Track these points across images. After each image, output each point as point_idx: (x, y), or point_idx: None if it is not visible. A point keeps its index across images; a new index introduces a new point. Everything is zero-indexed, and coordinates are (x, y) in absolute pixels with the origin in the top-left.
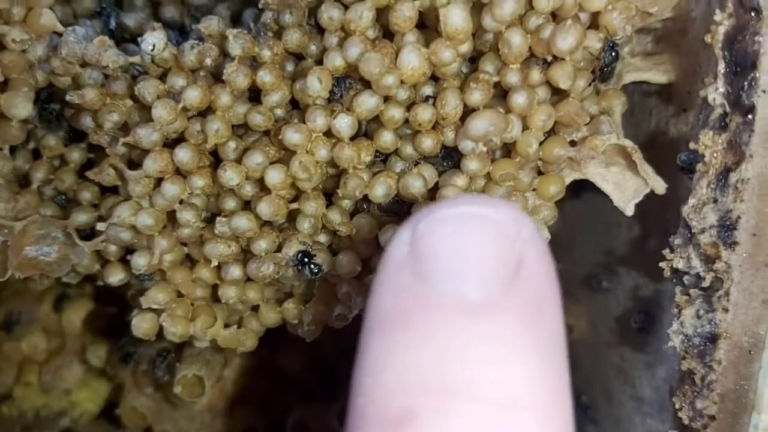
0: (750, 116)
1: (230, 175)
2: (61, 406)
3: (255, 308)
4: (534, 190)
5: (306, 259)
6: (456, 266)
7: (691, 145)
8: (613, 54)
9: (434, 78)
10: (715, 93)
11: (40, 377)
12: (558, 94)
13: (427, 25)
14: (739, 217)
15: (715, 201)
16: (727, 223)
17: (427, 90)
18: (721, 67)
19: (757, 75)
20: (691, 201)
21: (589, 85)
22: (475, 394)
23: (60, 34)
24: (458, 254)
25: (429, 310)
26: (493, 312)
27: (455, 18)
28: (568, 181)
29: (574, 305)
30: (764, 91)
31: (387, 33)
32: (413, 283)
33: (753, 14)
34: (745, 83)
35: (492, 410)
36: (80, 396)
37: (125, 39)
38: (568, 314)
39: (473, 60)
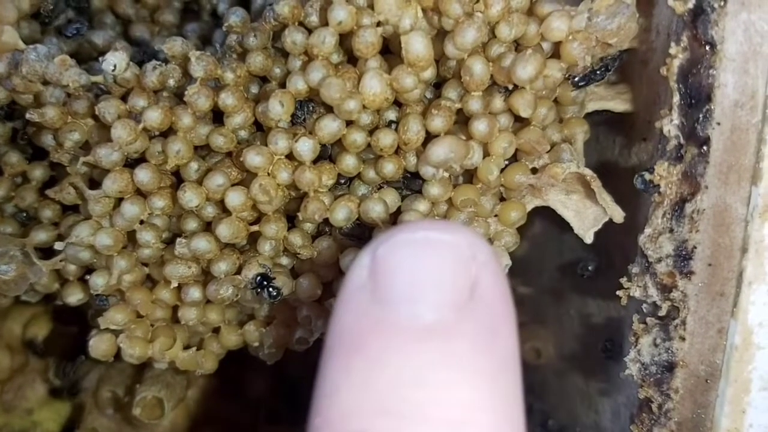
0: (705, 148)
1: (190, 197)
2: (22, 425)
3: (216, 330)
4: (496, 216)
5: (265, 282)
6: (412, 291)
7: (647, 176)
8: (605, 69)
9: (398, 103)
10: (670, 125)
11: (1, 396)
12: (521, 121)
13: (392, 51)
14: (695, 247)
15: (671, 231)
16: (683, 253)
17: (391, 115)
18: (676, 99)
19: (712, 107)
20: (647, 231)
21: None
22: (426, 416)
23: (22, 52)
24: (414, 279)
25: (385, 333)
26: (447, 334)
27: (417, 45)
28: (529, 207)
29: (541, 329)
30: (719, 124)
31: (352, 58)
32: (371, 307)
33: (708, 48)
34: (700, 115)
35: (439, 430)
36: (42, 416)
37: (93, 57)
38: (535, 339)
39: (438, 86)
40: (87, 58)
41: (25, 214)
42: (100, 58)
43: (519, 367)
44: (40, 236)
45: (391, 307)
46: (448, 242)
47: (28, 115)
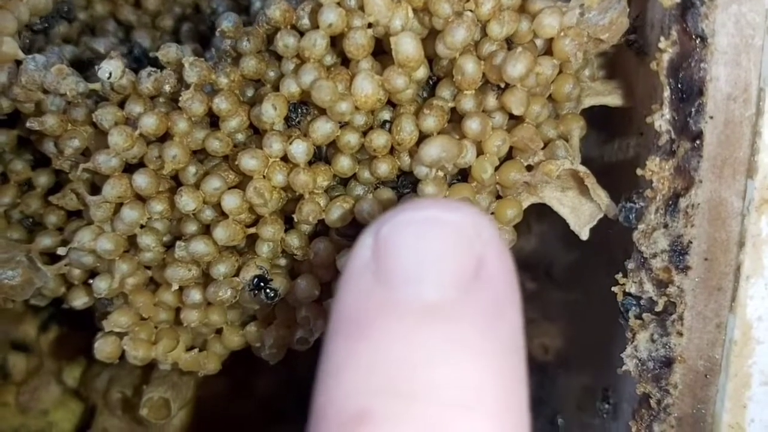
0: (698, 142)
1: (186, 201)
2: (38, 426)
3: (219, 331)
4: (492, 213)
5: (262, 284)
6: (416, 271)
7: (638, 171)
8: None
9: (393, 104)
10: (661, 119)
11: (18, 397)
12: (516, 119)
13: (386, 52)
14: (691, 242)
15: (666, 226)
16: (679, 248)
17: (386, 115)
18: (666, 93)
19: (704, 101)
20: (641, 226)
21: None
22: (427, 395)
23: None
24: (418, 258)
25: (389, 314)
26: (450, 314)
27: (406, 46)
28: (525, 205)
29: (549, 326)
30: (712, 117)
31: (346, 59)
32: (374, 287)
33: (698, 41)
34: (692, 109)
35: (443, 410)
36: (57, 416)
37: (95, 65)
38: (543, 335)
39: (435, 84)
40: (89, 65)
41: (30, 220)
42: (97, 66)
43: (523, 347)
44: (45, 242)
45: (394, 288)
46: (452, 221)
47: (28, 124)
